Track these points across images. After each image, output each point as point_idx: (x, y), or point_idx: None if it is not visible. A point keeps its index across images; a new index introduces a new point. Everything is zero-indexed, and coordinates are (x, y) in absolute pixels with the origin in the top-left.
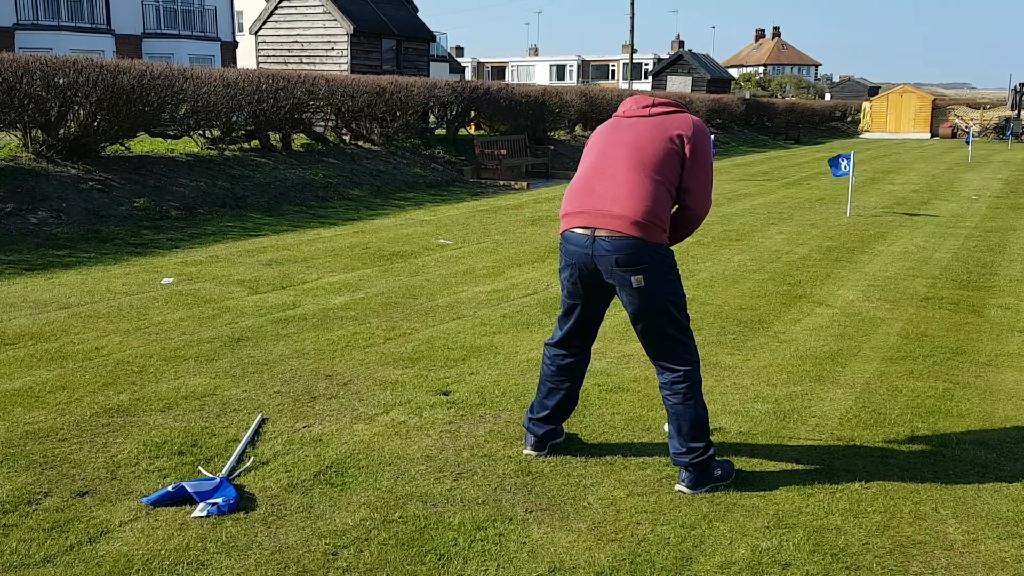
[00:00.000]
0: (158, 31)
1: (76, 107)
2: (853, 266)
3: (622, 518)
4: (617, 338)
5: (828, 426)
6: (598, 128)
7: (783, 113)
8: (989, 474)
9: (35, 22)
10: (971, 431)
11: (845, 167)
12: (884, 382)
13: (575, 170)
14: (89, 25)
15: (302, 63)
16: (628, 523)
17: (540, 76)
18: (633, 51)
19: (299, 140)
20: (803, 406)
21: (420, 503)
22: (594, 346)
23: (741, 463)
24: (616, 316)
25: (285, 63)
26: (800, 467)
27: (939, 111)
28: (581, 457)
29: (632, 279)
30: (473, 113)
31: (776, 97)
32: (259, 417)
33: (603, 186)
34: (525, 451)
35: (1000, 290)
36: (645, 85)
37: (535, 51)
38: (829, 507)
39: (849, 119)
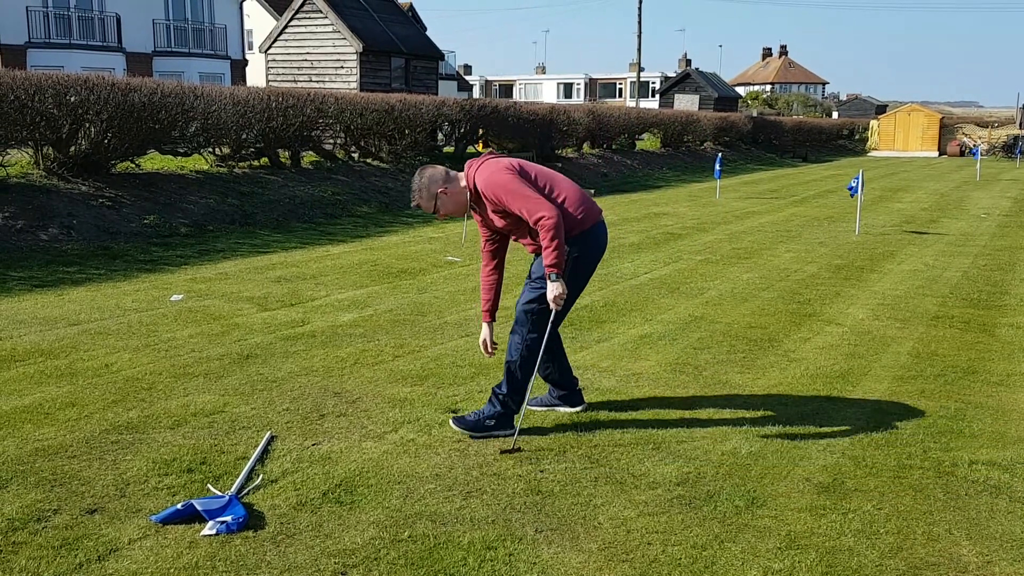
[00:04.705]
0: (168, 49)
1: (87, 124)
2: (862, 284)
3: (633, 538)
4: (627, 356)
5: (839, 446)
6: (524, 163)
7: (790, 131)
8: (1003, 495)
9: (47, 40)
10: (984, 451)
11: (855, 186)
12: (895, 401)
13: (583, 188)
14: (100, 43)
15: (311, 81)
16: (639, 543)
17: (547, 94)
18: (640, 69)
19: (308, 157)
20: (814, 425)
21: (429, 522)
22: (603, 364)
23: (752, 483)
24: (625, 334)
25: (295, 81)
26: (811, 487)
27: (947, 129)
28: (591, 476)
29: None
30: (481, 131)
31: (783, 115)
32: (268, 435)
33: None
34: (574, 409)
35: (1011, 309)
36: (652, 103)
37: (542, 69)
38: (841, 528)
39: (857, 137)
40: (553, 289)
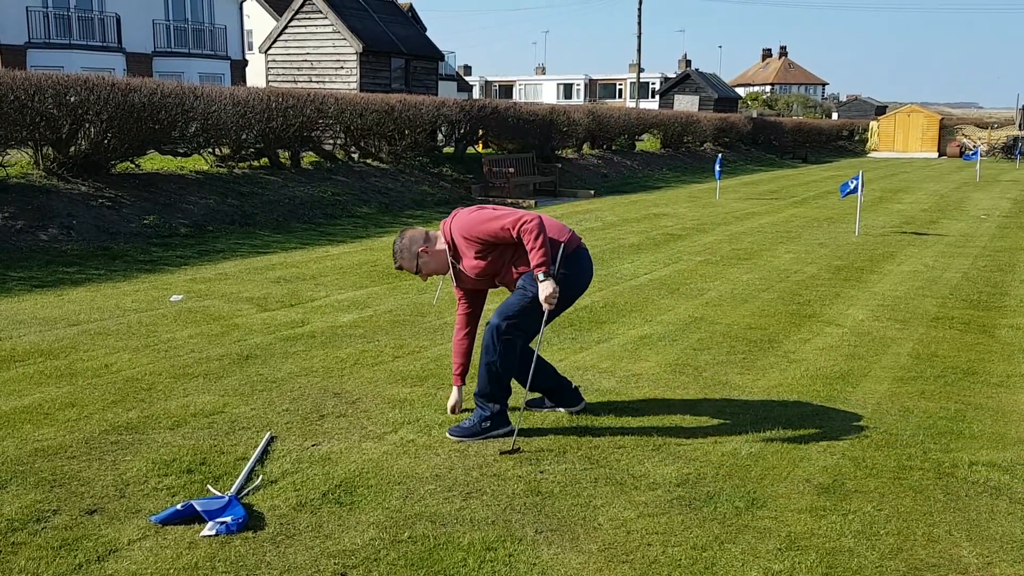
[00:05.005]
0: (168, 49)
1: (87, 125)
2: (862, 285)
3: (633, 539)
4: (626, 357)
5: (839, 447)
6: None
7: (790, 132)
8: (1003, 496)
9: (47, 40)
10: (984, 452)
11: (853, 186)
12: (895, 402)
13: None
14: (100, 43)
15: (311, 82)
16: (639, 544)
17: (547, 95)
18: (640, 70)
19: (308, 158)
20: (814, 426)
21: (429, 523)
22: (603, 365)
23: (752, 484)
24: (625, 335)
25: (295, 81)
26: (812, 488)
27: (947, 130)
28: (591, 477)
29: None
30: (481, 131)
31: (783, 116)
32: (268, 435)
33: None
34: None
35: (1011, 310)
36: (652, 104)
37: (542, 70)
38: (841, 529)
39: (856, 138)
40: (545, 288)
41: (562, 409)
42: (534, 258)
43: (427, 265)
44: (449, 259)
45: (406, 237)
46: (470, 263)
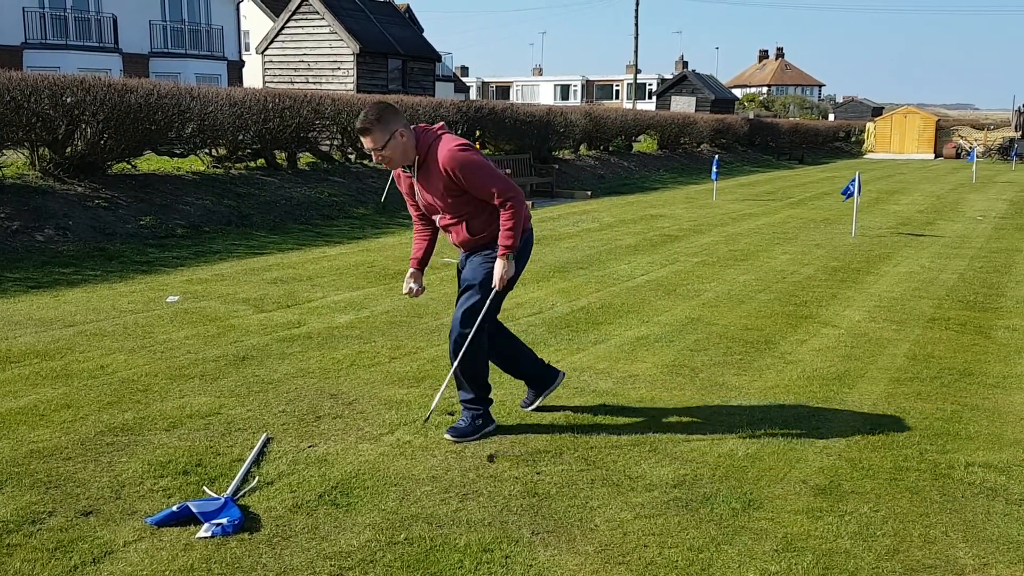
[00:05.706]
0: (165, 50)
1: (83, 125)
2: (859, 286)
3: (629, 541)
4: (623, 358)
5: (836, 448)
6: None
7: (787, 133)
8: (999, 497)
9: (43, 41)
10: (980, 454)
11: (852, 189)
12: (892, 404)
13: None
14: (97, 44)
15: (308, 82)
16: (635, 546)
17: (544, 95)
18: (637, 71)
19: (305, 159)
20: (810, 428)
21: (426, 524)
22: (600, 366)
23: (749, 485)
24: (621, 336)
25: (291, 82)
26: (808, 489)
27: (943, 132)
28: (587, 478)
29: None
30: (478, 132)
31: (780, 117)
32: (264, 436)
33: None
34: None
35: (1007, 311)
36: (649, 105)
37: (539, 71)
38: (838, 530)
39: (853, 139)
40: (502, 267)
41: (551, 391)
42: (504, 237)
43: (394, 149)
44: (415, 158)
45: (391, 109)
46: (433, 191)
